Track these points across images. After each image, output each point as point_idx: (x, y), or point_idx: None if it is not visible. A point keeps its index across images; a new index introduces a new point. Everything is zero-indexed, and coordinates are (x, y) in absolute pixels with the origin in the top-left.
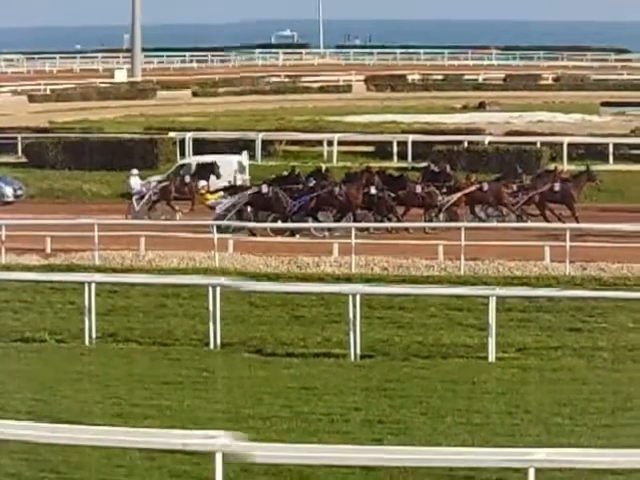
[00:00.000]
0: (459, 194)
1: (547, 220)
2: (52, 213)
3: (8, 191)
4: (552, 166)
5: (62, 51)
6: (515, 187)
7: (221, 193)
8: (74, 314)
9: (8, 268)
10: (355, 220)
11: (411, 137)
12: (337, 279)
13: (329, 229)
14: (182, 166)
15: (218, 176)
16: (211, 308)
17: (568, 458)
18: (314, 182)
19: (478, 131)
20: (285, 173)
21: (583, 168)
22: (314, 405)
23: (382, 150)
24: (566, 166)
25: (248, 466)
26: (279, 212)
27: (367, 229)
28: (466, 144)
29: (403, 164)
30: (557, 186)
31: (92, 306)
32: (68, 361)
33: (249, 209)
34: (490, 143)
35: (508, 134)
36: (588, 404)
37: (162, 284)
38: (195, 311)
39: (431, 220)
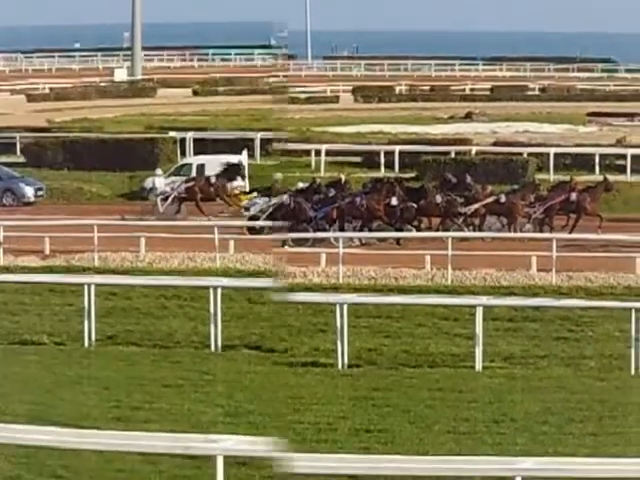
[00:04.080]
0: (477, 205)
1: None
2: (51, 214)
3: (29, 191)
4: (567, 177)
5: (61, 49)
6: (532, 198)
7: (255, 194)
8: (73, 316)
9: (7, 269)
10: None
11: (398, 147)
12: (324, 289)
13: (351, 239)
14: (183, 166)
15: (243, 177)
16: (212, 310)
17: (555, 467)
18: (334, 192)
19: (465, 141)
20: (301, 185)
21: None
22: (302, 414)
23: (369, 160)
24: (552, 176)
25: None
26: (303, 222)
27: (385, 240)
28: (453, 154)
29: (390, 174)
30: (573, 196)
31: (92, 308)
32: (67, 364)
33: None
34: (477, 153)
35: (495, 144)
36: (574, 413)
37: (162, 285)
38: (196, 312)
39: (448, 229)
